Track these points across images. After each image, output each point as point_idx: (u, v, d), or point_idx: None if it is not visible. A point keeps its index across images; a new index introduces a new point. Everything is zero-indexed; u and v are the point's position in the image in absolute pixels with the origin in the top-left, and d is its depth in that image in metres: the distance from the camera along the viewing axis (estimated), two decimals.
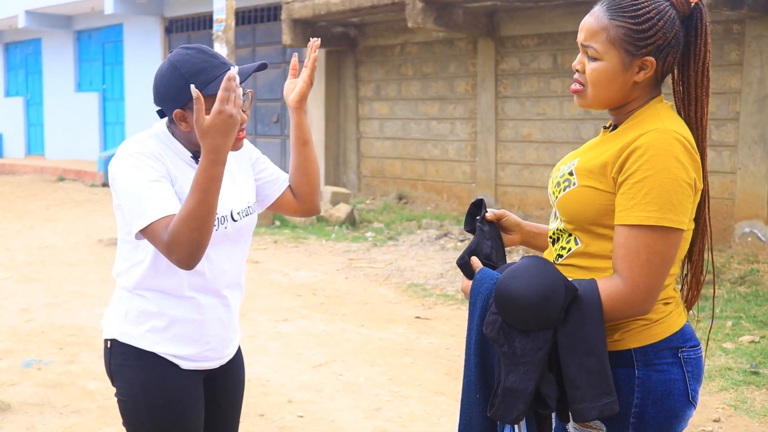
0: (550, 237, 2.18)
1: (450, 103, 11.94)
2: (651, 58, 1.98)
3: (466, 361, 2.10)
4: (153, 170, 2.24)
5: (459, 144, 11.84)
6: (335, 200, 11.55)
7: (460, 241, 9.70)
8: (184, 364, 2.41)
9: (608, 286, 1.94)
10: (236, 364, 2.62)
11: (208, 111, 2.16)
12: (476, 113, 11.50)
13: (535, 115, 10.81)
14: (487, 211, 2.28)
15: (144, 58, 18.08)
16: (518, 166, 11.05)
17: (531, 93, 10.85)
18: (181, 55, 2.28)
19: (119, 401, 2.43)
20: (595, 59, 2.02)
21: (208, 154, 2.10)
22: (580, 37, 2.05)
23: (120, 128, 19.33)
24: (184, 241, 2.11)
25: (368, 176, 13.34)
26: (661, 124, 1.96)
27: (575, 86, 2.09)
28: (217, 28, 10.93)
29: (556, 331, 1.94)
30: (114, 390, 2.45)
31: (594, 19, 2.02)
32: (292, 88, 2.58)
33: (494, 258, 2.20)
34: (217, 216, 2.33)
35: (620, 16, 1.98)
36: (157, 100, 2.33)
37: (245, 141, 2.51)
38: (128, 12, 17.19)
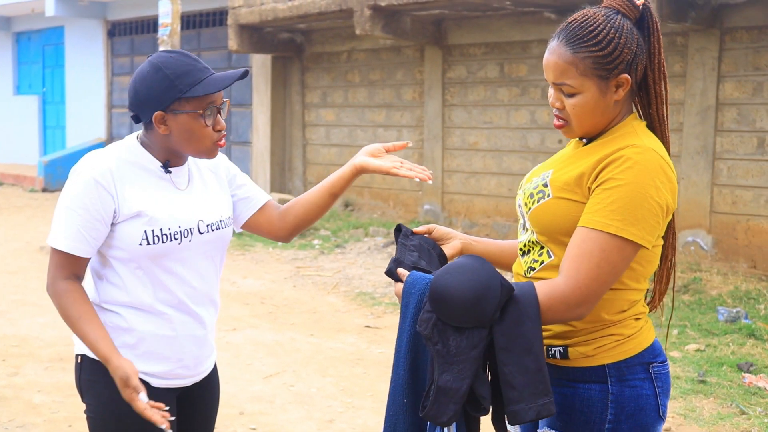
0: (521, 249, 2.17)
1: (397, 110, 11.94)
2: (625, 75, 1.99)
3: (394, 364, 2.06)
4: (89, 200, 2.25)
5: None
6: None
7: None
8: (155, 382, 2.35)
9: (547, 284, 1.93)
10: (212, 381, 2.57)
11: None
12: (423, 121, 11.52)
13: (482, 124, 10.86)
14: (411, 230, 2.29)
15: (86, 62, 17.77)
16: (465, 174, 11.09)
17: (478, 101, 10.91)
18: (164, 57, 2.26)
19: (88, 418, 2.37)
20: (572, 95, 2.01)
21: (109, 364, 2.23)
22: (550, 77, 2.03)
23: (60, 132, 18.96)
24: (59, 311, 2.30)
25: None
26: (639, 140, 1.97)
27: (558, 122, 2.08)
28: (163, 33, 10.78)
29: (491, 331, 1.91)
30: (84, 406, 2.40)
31: (557, 56, 2.00)
32: (375, 155, 2.53)
33: (424, 266, 2.18)
34: (180, 229, 2.31)
35: (583, 47, 1.97)
36: (135, 103, 2.29)
37: (224, 157, 2.53)
38: (70, 14, 16.88)
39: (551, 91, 2.06)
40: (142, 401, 2.16)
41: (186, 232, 2.32)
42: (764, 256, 8.28)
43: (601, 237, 1.90)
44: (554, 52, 2.01)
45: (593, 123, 2.03)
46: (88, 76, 17.71)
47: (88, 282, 2.39)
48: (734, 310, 6.78)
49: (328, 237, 10.64)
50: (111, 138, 17.32)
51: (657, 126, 2.07)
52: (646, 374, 2.02)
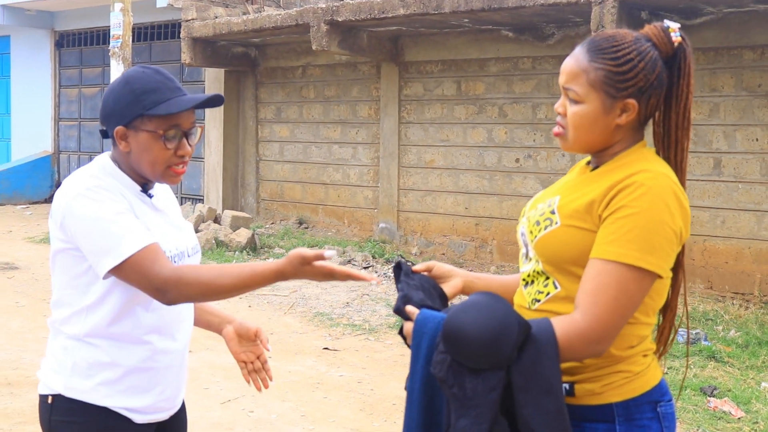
0: (524, 280, 2.06)
1: (352, 127, 11.83)
2: (632, 101, 1.91)
3: (407, 407, 1.97)
4: (115, 203, 2.10)
5: (361, 169, 11.74)
6: (235, 225, 11.28)
7: (363, 268, 9.58)
8: (138, 418, 2.22)
9: (564, 321, 1.84)
10: (183, 412, 2.47)
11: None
12: (379, 138, 11.43)
13: (439, 142, 10.80)
14: (412, 265, 2.19)
15: (32, 73, 17.38)
16: (421, 192, 11.01)
17: (434, 119, 10.85)
18: (135, 72, 2.19)
19: None
20: (576, 102, 1.94)
21: (285, 274, 2.03)
22: (561, 80, 1.97)
23: (5, 145, 18.51)
24: (189, 295, 2.06)
25: (268, 200, 13.10)
26: (651, 165, 1.89)
27: (557, 129, 2.00)
28: (114, 45, 10.54)
29: (509, 371, 1.81)
30: None
31: (574, 61, 1.95)
32: (243, 337, 2.54)
33: (430, 305, 2.06)
34: (177, 251, 2.25)
35: (600, 58, 1.92)
36: (103, 116, 2.21)
37: (173, 198, 2.45)
38: (16, 24, 16.51)
39: (560, 99, 2.01)
40: (341, 268, 2.03)
41: (181, 254, 2.26)
42: (721, 276, 8.31)
43: (617, 269, 1.81)
44: (574, 55, 1.97)
45: (589, 139, 1.96)
46: (35, 88, 17.32)
47: (60, 314, 2.22)
48: (693, 332, 6.77)
49: (282, 255, 10.46)
50: (58, 151, 16.96)
51: (673, 171, 1.97)
52: (653, 413, 1.92)
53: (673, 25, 1.96)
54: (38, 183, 16.73)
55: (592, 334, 1.82)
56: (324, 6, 10.06)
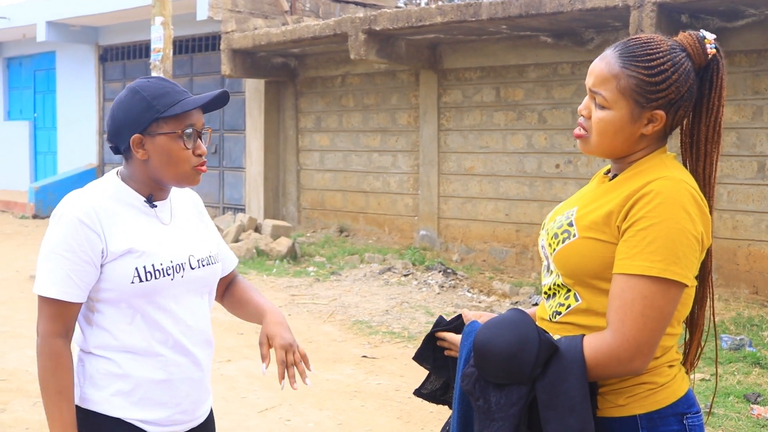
0: (545, 293, 2.05)
1: (392, 135, 11.84)
2: (661, 112, 1.88)
3: (451, 415, 2.04)
4: (78, 245, 2.13)
5: (401, 176, 11.74)
6: (276, 234, 11.33)
7: (403, 276, 9.56)
8: (154, 430, 2.22)
9: (595, 339, 1.82)
10: (209, 426, 2.43)
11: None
12: (418, 145, 11.42)
13: (478, 148, 10.76)
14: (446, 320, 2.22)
15: (77, 87, 17.65)
16: (461, 199, 10.98)
17: (474, 126, 10.81)
18: (141, 82, 2.23)
19: None
20: (603, 107, 1.91)
21: None
22: (589, 82, 1.94)
23: (52, 158, 18.81)
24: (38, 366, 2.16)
25: (308, 209, 13.15)
26: (669, 172, 1.86)
27: (579, 131, 1.98)
28: (155, 58, 10.66)
29: (534, 387, 1.82)
30: None
31: (605, 64, 1.91)
32: (277, 339, 2.34)
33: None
34: (173, 264, 2.21)
35: (633, 66, 1.87)
36: (112, 131, 2.22)
37: (200, 201, 2.47)
38: (61, 39, 16.79)
39: (585, 100, 1.97)
40: None
41: (178, 267, 2.22)
42: (766, 281, 8.16)
43: (642, 283, 1.78)
44: (604, 58, 1.93)
45: (612, 146, 1.93)
46: (80, 102, 17.58)
47: (78, 328, 2.25)
48: (738, 338, 6.66)
49: (323, 264, 10.50)
50: (102, 163, 17.19)
51: (701, 185, 1.94)
52: (680, 426, 1.88)
53: (709, 36, 1.92)
54: None
55: (623, 353, 1.79)
56: (362, 15, 10.10)
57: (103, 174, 17.24)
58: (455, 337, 2.09)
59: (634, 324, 1.78)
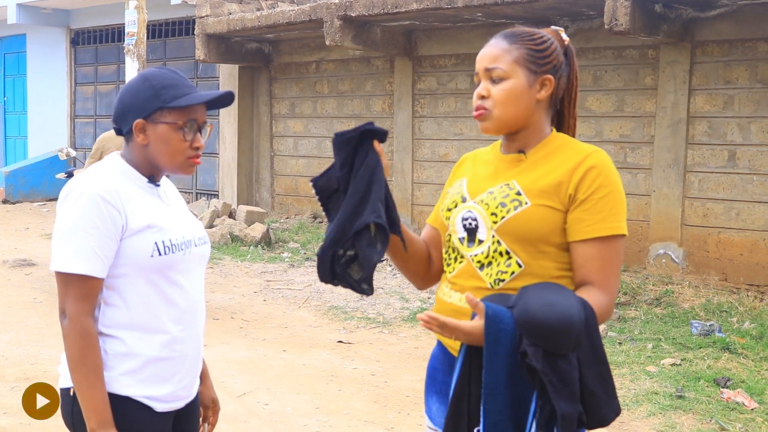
0: (478, 263, 2.14)
1: (366, 121, 11.82)
2: (550, 76, 2.15)
3: (488, 401, 1.98)
4: (101, 221, 2.19)
5: None
6: (250, 220, 11.33)
7: None
8: (159, 406, 2.30)
9: (593, 298, 2.03)
10: (197, 400, 2.52)
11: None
12: (393, 132, 11.44)
13: (452, 135, 10.81)
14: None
15: (48, 70, 17.49)
16: (435, 186, 11.03)
17: (448, 113, 10.86)
18: (153, 71, 2.33)
19: None
20: (501, 80, 2.13)
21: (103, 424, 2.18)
22: (482, 64, 2.16)
23: (22, 142, 18.64)
24: (65, 344, 2.19)
25: (282, 195, 13.15)
26: (587, 146, 2.15)
27: (478, 111, 2.16)
28: (129, 42, 10.61)
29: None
30: None
31: (494, 47, 2.17)
32: None
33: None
34: (184, 240, 2.34)
35: (520, 41, 2.16)
36: (118, 113, 2.32)
37: (178, 193, 2.55)
38: (32, 22, 16.62)
39: (479, 86, 2.17)
40: None
41: (188, 243, 2.34)
42: (735, 268, 8.29)
43: (617, 241, 2.07)
44: (491, 44, 2.18)
45: (515, 114, 2.13)
46: (51, 86, 17.43)
47: None
48: (708, 324, 6.77)
49: (297, 250, 10.52)
50: (74, 148, 17.05)
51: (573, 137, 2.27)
52: None
53: (561, 29, 2.26)
54: (55, 180, 16.83)
55: (612, 305, 2.08)
56: (337, 1, 10.08)
57: (74, 160, 17.15)
58: (454, 322, 2.00)
59: (616, 278, 2.08)
